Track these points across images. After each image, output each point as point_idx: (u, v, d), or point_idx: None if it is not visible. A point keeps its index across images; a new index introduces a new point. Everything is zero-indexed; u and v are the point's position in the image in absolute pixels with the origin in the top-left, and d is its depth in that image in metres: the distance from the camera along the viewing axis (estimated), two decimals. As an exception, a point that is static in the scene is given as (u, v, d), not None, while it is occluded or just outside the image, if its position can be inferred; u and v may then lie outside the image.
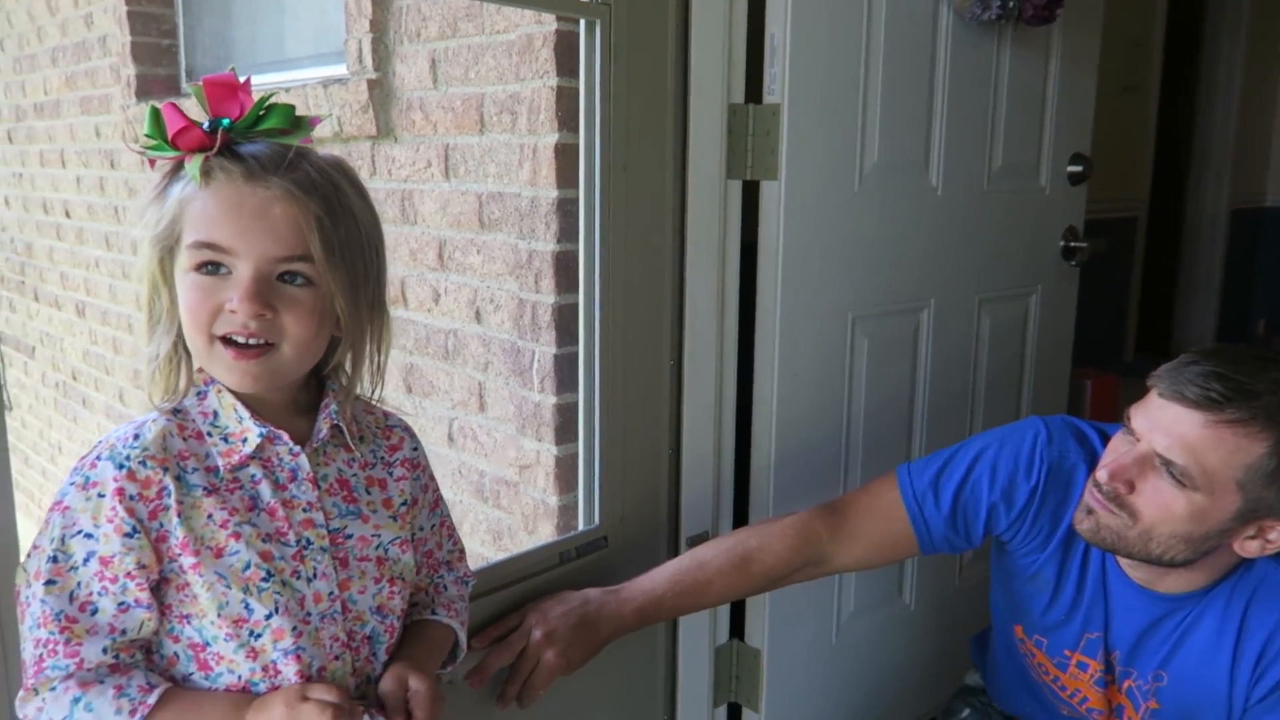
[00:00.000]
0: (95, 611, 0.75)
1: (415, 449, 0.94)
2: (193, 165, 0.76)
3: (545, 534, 1.48)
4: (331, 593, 0.83)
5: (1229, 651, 1.08)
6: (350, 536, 0.85)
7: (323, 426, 0.85)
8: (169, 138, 0.76)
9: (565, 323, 1.43)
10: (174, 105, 0.76)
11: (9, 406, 4.31)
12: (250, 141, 0.78)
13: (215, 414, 0.81)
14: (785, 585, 1.30)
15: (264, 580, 0.79)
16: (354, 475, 0.87)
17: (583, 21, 1.25)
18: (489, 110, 1.55)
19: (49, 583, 0.74)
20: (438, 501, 0.98)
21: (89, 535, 0.75)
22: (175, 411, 0.80)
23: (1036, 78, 1.81)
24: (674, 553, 1.45)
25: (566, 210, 1.39)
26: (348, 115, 1.79)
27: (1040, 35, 1.76)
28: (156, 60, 2.81)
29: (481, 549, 1.66)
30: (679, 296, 1.40)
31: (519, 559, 1.26)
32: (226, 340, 0.77)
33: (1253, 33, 3.50)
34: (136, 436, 0.77)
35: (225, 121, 0.77)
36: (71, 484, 0.77)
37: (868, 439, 1.64)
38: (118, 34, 2.84)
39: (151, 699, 0.76)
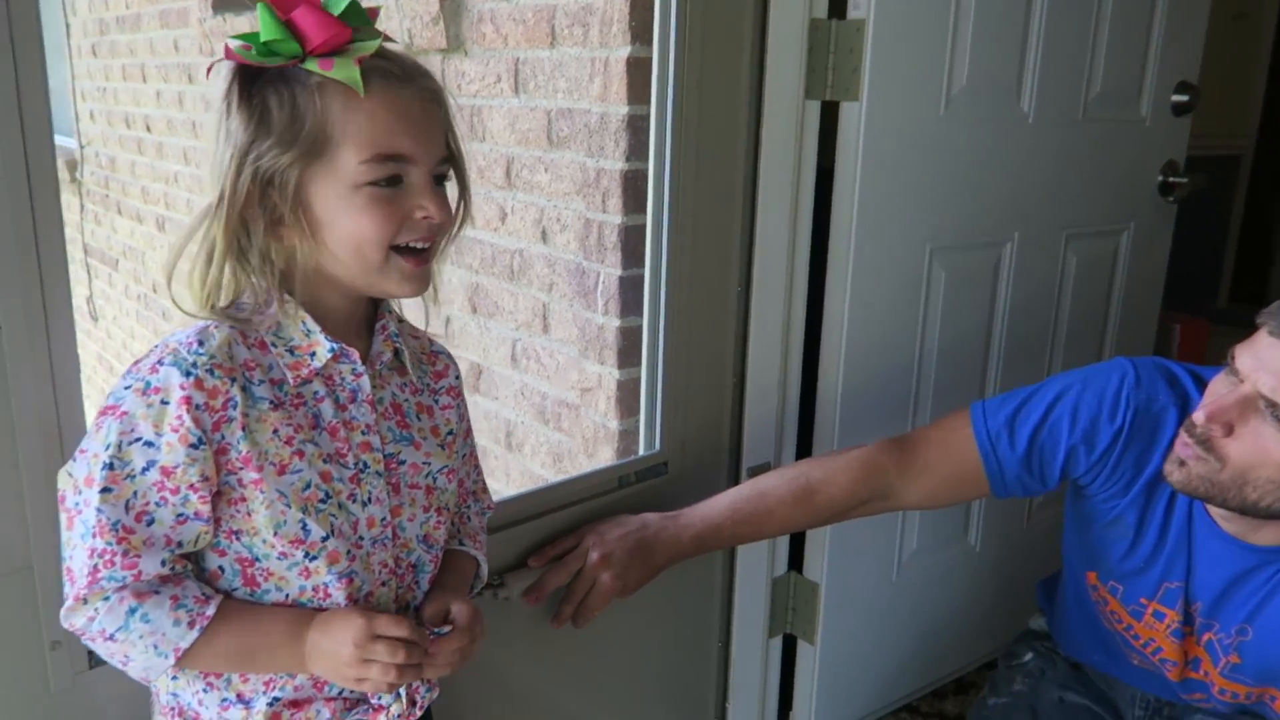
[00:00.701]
0: (152, 522, 0.72)
1: (458, 377, 0.93)
2: (348, 69, 0.71)
3: (605, 458, 1.47)
4: (384, 518, 0.82)
5: None
6: (403, 463, 0.84)
7: (384, 348, 0.84)
8: (308, 43, 0.71)
9: (631, 244, 1.40)
10: (310, 6, 0.71)
11: (96, 317, 4.46)
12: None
13: (279, 325, 0.77)
14: (848, 519, 1.27)
15: (322, 501, 0.77)
16: (406, 400, 0.85)
17: (659, -73, 1.20)
18: (560, 22, 1.50)
19: (105, 490, 0.71)
20: (469, 431, 0.96)
21: (149, 444, 0.71)
22: (233, 318, 0.76)
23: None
24: (734, 482, 1.44)
25: (636, 128, 1.34)
26: (418, 28, 1.76)
27: (1150, -48, 1.64)
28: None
29: (542, 470, 1.66)
30: (750, 221, 1.36)
31: (577, 481, 1.25)
32: (402, 250, 0.76)
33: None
34: (201, 342, 0.73)
35: (354, 19, 0.73)
36: (128, 388, 0.72)
37: (940, 375, 1.59)
38: (195, -54, 2.83)
39: (210, 610, 0.75)
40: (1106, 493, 1.15)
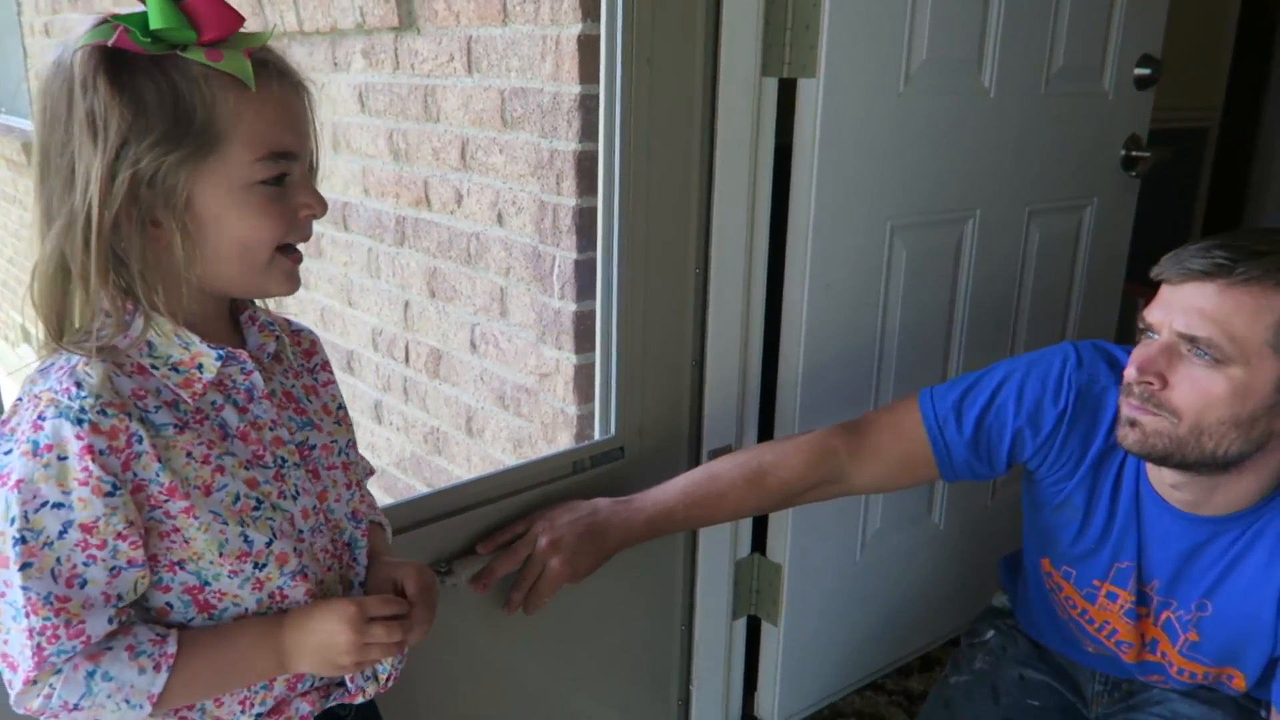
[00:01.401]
0: (85, 584, 0.67)
1: (323, 350, 0.90)
2: (238, 62, 0.67)
3: (564, 443, 1.45)
4: (314, 506, 0.80)
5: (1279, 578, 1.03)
6: (313, 447, 0.82)
7: (264, 339, 0.81)
8: (203, 32, 0.66)
9: (586, 227, 1.37)
10: None
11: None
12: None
13: (149, 344, 0.71)
14: (801, 503, 1.27)
15: (255, 509, 0.74)
16: (293, 386, 0.83)
17: (607, -100, 1.17)
18: (513, -1, 1.47)
19: (25, 566, 0.65)
20: None
21: (59, 505, 0.66)
22: (98, 350, 0.68)
23: (1106, -31, 1.67)
24: (694, 465, 1.42)
25: (589, 107, 1.32)
26: (370, 5, 1.72)
27: (1112, -78, 1.62)
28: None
29: (503, 456, 1.65)
30: (707, 201, 1.34)
31: (531, 466, 1.24)
32: (284, 248, 0.74)
33: (1350, -74, 3.23)
34: (79, 384, 0.66)
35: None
36: (11, 452, 0.66)
37: (903, 355, 1.58)
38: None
39: (170, 647, 0.71)
40: (1054, 475, 1.15)
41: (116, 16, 0.66)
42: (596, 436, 1.33)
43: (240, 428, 0.76)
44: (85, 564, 0.68)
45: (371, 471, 0.95)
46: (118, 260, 0.69)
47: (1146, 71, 1.80)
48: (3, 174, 4.80)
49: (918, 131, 1.49)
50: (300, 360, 0.86)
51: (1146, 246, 2.21)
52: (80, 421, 0.66)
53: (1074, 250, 1.84)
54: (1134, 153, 1.84)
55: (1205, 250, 0.94)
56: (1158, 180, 1.99)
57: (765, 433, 1.50)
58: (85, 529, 0.67)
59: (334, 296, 2.05)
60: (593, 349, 1.36)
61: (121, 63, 0.65)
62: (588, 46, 1.30)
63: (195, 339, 0.73)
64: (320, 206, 0.74)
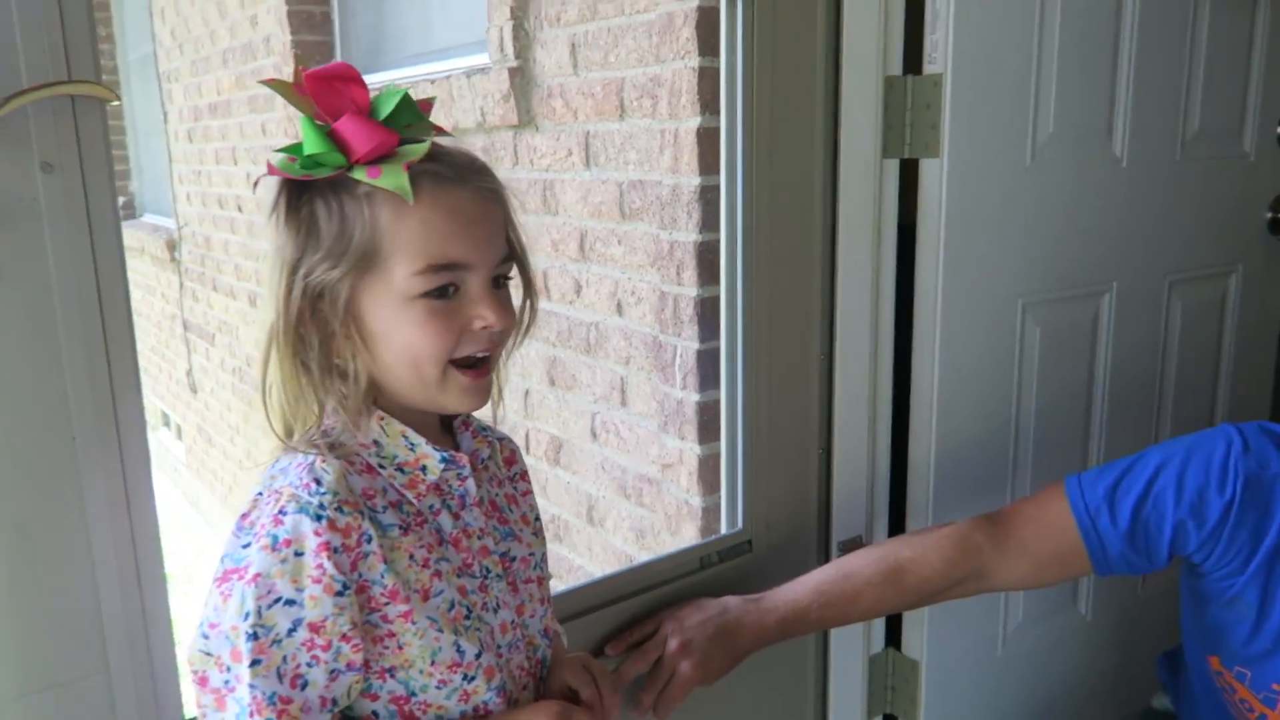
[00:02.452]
0: (305, 685, 0.67)
1: (524, 460, 0.90)
2: (397, 176, 0.67)
3: (688, 535, 1.42)
4: (513, 620, 0.79)
5: None
6: (514, 559, 0.81)
7: (478, 445, 0.81)
8: (353, 153, 0.68)
9: (708, 316, 1.36)
10: (355, 116, 0.68)
11: (195, 389, 4.62)
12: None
13: (377, 444, 0.73)
14: (941, 601, 1.20)
15: (466, 618, 0.74)
16: (497, 495, 0.82)
17: (724, -4, 1.18)
18: (629, 95, 1.49)
19: (254, 663, 0.66)
20: None
21: (291, 601, 0.66)
22: (331, 447, 0.71)
23: (1240, 28, 1.61)
24: (825, 558, 1.37)
25: (709, 198, 1.32)
26: (490, 105, 1.78)
27: (1244, -20, 1.56)
28: (315, 58, 2.90)
29: (625, 546, 1.63)
30: (830, 286, 1.31)
31: (657, 563, 1.21)
32: (461, 362, 0.72)
33: None
34: (318, 480, 0.68)
35: (393, 120, 0.69)
36: (247, 546, 0.68)
37: (1039, 438, 1.50)
38: (279, 33, 2.95)
39: None
40: (1222, 570, 1.06)
41: (283, 149, 0.70)
42: (723, 529, 1.30)
43: (453, 533, 0.76)
44: (309, 664, 0.68)
45: (550, 576, 0.94)
46: (314, 366, 0.71)
47: (1291, 130, 1.71)
48: (146, 268, 5.13)
49: (1047, 205, 1.44)
50: (502, 469, 0.86)
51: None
52: (319, 518, 0.67)
53: (1220, 321, 1.74)
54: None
55: None
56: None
57: (896, 522, 1.45)
58: (313, 628, 0.67)
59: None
60: (716, 439, 1.33)
61: (300, 188, 0.70)
62: (707, 139, 1.31)
63: (422, 440, 0.74)
64: (498, 318, 0.72)
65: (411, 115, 0.71)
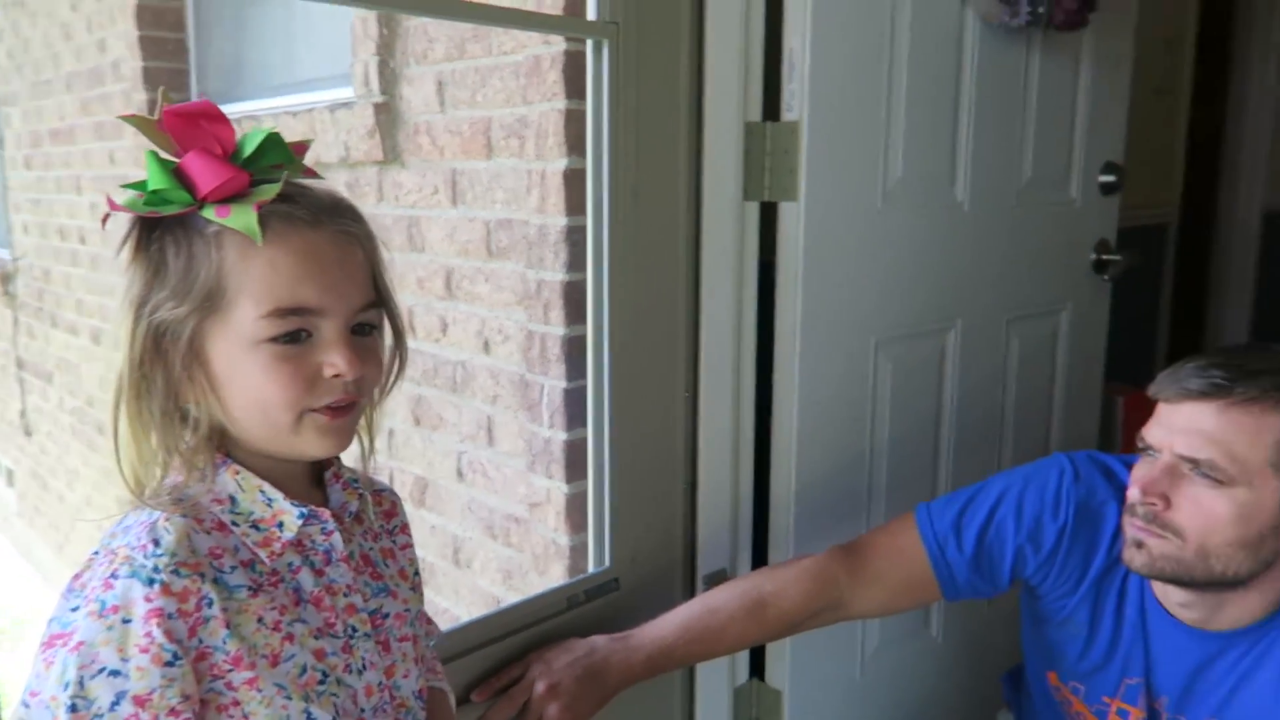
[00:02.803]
0: None
1: (404, 512, 0.87)
2: (245, 216, 0.65)
3: (556, 574, 1.42)
4: (380, 683, 0.75)
5: None
6: (386, 616, 0.77)
7: (348, 498, 0.77)
8: (198, 191, 0.66)
9: (575, 355, 1.37)
10: (203, 151, 0.66)
11: (30, 431, 4.31)
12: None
13: (232, 499, 0.70)
14: (803, 630, 1.24)
15: (321, 683, 0.70)
16: (371, 549, 0.79)
17: (590, 42, 1.20)
18: (496, 134, 1.50)
19: None
20: None
21: (115, 672, 0.62)
22: (178, 502, 0.68)
23: (1067, 85, 1.74)
24: (690, 592, 1.39)
25: (575, 239, 1.33)
26: (354, 140, 1.75)
27: (1071, 40, 1.70)
28: (168, 85, 2.79)
29: (491, 588, 1.61)
30: (694, 325, 1.35)
31: (524, 605, 1.20)
32: (314, 409, 0.69)
33: (1286, 32, 3.41)
34: (157, 541, 0.65)
35: (250, 161, 0.68)
36: (78, 609, 0.64)
37: (893, 467, 1.57)
38: (129, 59, 2.83)
39: None
40: (1056, 591, 1.14)
41: (130, 185, 0.67)
42: (590, 567, 1.30)
43: (314, 593, 0.72)
44: None
45: (438, 633, 0.91)
46: (156, 411, 0.68)
47: (1111, 179, 1.86)
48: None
49: (897, 247, 1.52)
50: (380, 521, 0.83)
51: (1122, 344, 2.25)
52: (152, 582, 0.64)
53: (1053, 354, 1.86)
54: (1104, 256, 1.89)
55: (1202, 370, 0.95)
56: (1127, 276, 2.03)
57: (759, 554, 1.48)
58: (138, 701, 0.63)
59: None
60: (584, 477, 1.34)
61: (152, 225, 0.67)
62: (574, 180, 1.33)
63: (279, 495, 0.71)
64: (350, 367, 0.68)
65: (279, 155, 0.69)
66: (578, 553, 1.41)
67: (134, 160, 2.88)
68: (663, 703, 1.42)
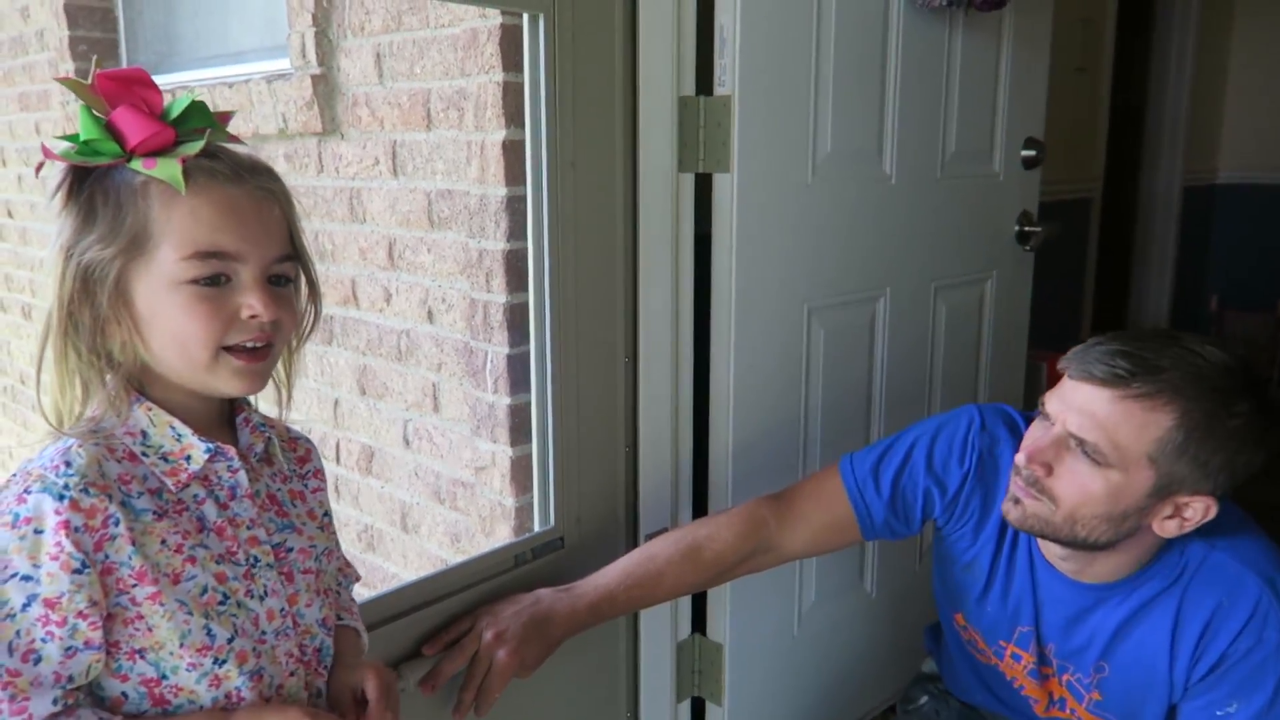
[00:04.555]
0: (39, 660, 0.69)
1: (320, 459, 0.93)
2: (170, 168, 0.71)
3: (503, 535, 1.46)
4: (283, 609, 0.81)
5: (1167, 634, 1.09)
6: (290, 550, 0.84)
7: (254, 440, 0.83)
8: (127, 142, 0.71)
9: (518, 322, 1.41)
10: (131, 107, 0.71)
11: (-42, 411, 4.20)
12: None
13: (144, 433, 0.75)
14: (738, 575, 1.30)
15: (221, 603, 0.76)
16: (279, 489, 0.86)
17: (526, 15, 1.23)
18: (436, 106, 1.52)
19: None
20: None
21: (27, 577, 0.68)
22: (93, 433, 0.73)
23: (989, 63, 1.81)
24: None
25: (516, 208, 1.36)
26: (292, 111, 1.75)
27: (992, 20, 1.76)
28: (96, 56, 2.73)
29: (440, 551, 1.64)
30: (632, 292, 1.39)
31: (472, 563, 1.24)
32: (234, 348, 0.75)
33: (1204, 9, 3.54)
34: (69, 463, 0.70)
35: (177, 123, 0.73)
36: None
37: (826, 428, 1.64)
38: (55, 28, 2.76)
39: None
40: (959, 533, 1.22)
41: (63, 137, 0.72)
42: (536, 528, 1.35)
43: (218, 523, 0.78)
44: (43, 640, 0.69)
45: (358, 578, 0.96)
46: (83, 348, 0.73)
47: (1032, 153, 1.94)
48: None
49: (827, 218, 1.57)
50: (293, 466, 0.89)
51: (1047, 311, 2.35)
52: (62, 498, 0.69)
53: (979, 322, 1.94)
54: (1026, 228, 1.97)
55: (1110, 355, 0.99)
56: (1052, 247, 2.12)
57: (699, 512, 1.54)
58: (48, 604, 0.69)
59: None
60: (528, 441, 1.38)
61: (83, 174, 0.73)
62: (512, 151, 1.35)
63: (188, 431, 0.76)
64: (265, 308, 0.74)
65: (202, 120, 0.75)
66: (523, 514, 1.45)
67: (61, 131, 2.82)
68: (608, 657, 1.47)
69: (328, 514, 0.90)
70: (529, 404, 1.35)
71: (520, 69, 1.25)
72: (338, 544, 0.96)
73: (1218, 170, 3.91)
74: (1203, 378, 0.98)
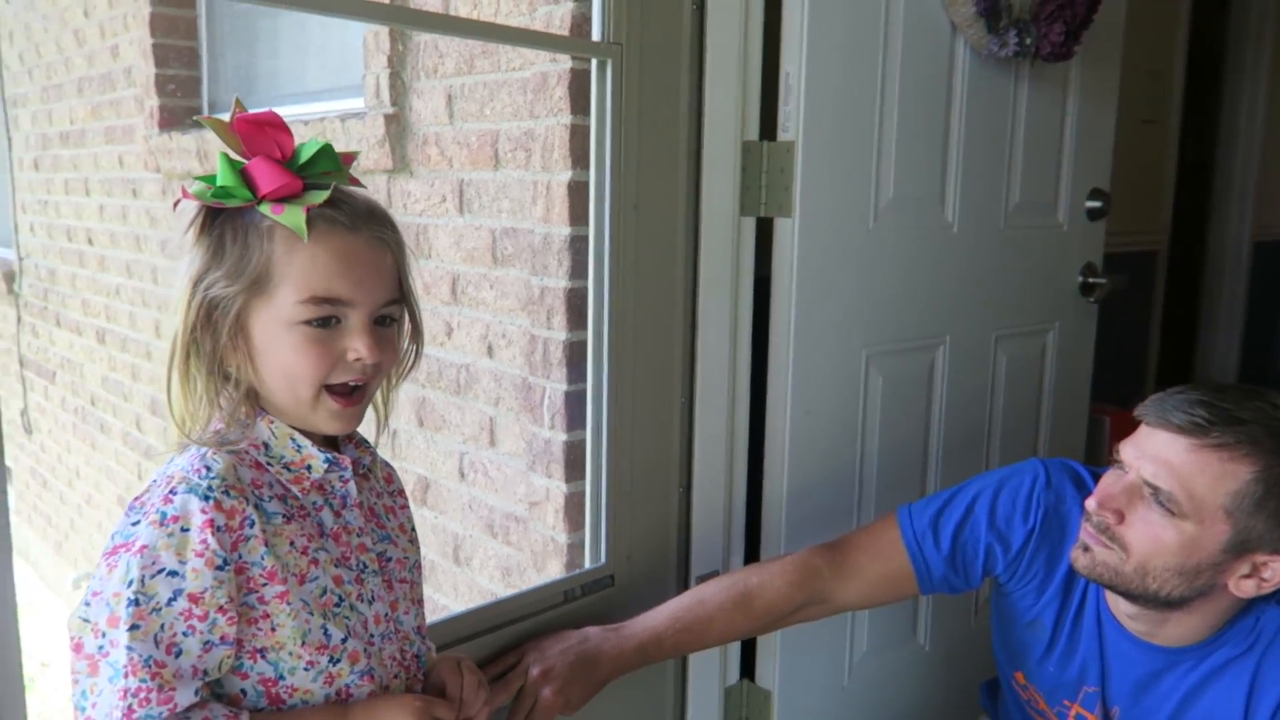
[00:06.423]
0: (180, 654, 0.73)
1: (400, 481, 0.97)
2: (295, 216, 0.76)
3: (554, 571, 1.47)
4: (386, 614, 0.86)
5: (1241, 704, 1.05)
6: (389, 560, 0.88)
7: (360, 454, 0.88)
8: (259, 191, 0.77)
9: (576, 359, 1.42)
10: (265, 158, 0.77)
11: (30, 430, 4.35)
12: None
13: (266, 445, 0.81)
14: (788, 624, 1.29)
15: (337, 605, 0.80)
16: (376, 503, 0.90)
17: (594, 61, 1.26)
18: (504, 146, 1.55)
19: (133, 628, 0.71)
20: None
21: (173, 573, 0.72)
22: (220, 444, 0.79)
23: (1054, 113, 1.80)
24: (683, 591, 1.44)
25: (579, 248, 1.39)
26: (364, 149, 1.80)
27: (1058, 70, 1.76)
28: (180, 92, 2.85)
29: (491, 585, 1.65)
30: (691, 333, 1.40)
31: (521, 597, 1.25)
32: (334, 389, 0.80)
33: (1275, 62, 3.48)
34: (209, 468, 0.76)
35: (305, 167, 0.78)
36: (137, 523, 0.74)
37: (882, 477, 1.62)
38: (142, 66, 2.88)
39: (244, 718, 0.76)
40: (1022, 591, 1.19)
41: (201, 177, 0.78)
42: (587, 564, 1.35)
43: (334, 529, 0.83)
44: (185, 634, 0.73)
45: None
46: (203, 370, 0.79)
47: (1097, 205, 1.92)
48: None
49: (888, 265, 1.57)
50: (383, 484, 0.93)
51: (1111, 365, 2.31)
52: (207, 498, 0.74)
53: (1040, 374, 1.91)
54: (1090, 280, 1.94)
55: (1189, 404, 0.98)
56: (1118, 300, 2.09)
57: (752, 555, 1.53)
58: (192, 599, 0.73)
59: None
60: (582, 478, 1.39)
61: (215, 212, 0.79)
62: (577, 192, 1.38)
63: (308, 442, 0.82)
64: (368, 351, 0.79)
65: (329, 164, 0.80)
66: (575, 550, 1.45)
67: (144, 164, 2.93)
68: (655, 700, 1.46)
69: (414, 529, 0.95)
70: (584, 441, 1.36)
71: (587, 112, 1.27)
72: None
73: (1290, 226, 3.81)
74: None
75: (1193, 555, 0.99)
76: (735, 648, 1.55)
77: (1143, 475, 0.99)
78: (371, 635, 0.84)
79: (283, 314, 0.77)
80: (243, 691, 0.78)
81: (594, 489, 1.34)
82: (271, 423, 0.81)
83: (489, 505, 1.64)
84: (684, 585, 1.45)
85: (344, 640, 0.80)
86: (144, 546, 0.72)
